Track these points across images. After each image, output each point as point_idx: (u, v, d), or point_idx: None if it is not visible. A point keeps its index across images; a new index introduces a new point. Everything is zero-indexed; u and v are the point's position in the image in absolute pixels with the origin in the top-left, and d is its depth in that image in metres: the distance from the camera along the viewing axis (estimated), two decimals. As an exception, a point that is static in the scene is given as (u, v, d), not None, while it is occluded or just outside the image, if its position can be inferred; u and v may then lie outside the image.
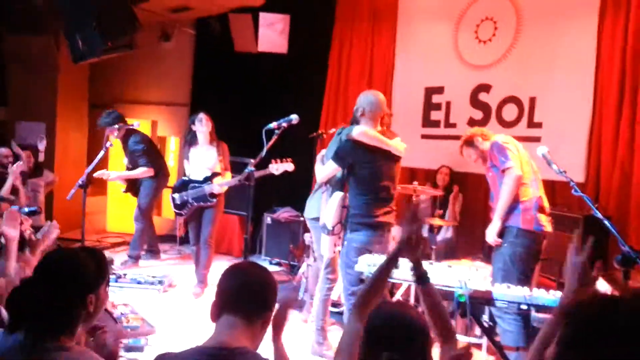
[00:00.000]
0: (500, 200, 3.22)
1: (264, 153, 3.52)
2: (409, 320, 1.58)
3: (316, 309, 3.84)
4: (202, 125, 4.91)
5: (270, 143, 3.53)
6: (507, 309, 2.98)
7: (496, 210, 3.25)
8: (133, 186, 5.82)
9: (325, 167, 3.56)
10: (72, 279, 1.65)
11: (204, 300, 4.76)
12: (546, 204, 3.31)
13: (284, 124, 3.54)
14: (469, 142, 3.55)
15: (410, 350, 1.51)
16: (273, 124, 3.54)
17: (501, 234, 3.23)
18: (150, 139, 6.08)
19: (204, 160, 4.96)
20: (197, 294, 4.89)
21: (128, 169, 5.76)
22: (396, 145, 3.45)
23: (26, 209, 3.26)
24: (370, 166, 3.39)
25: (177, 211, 5.08)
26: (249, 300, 1.60)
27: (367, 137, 3.34)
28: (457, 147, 3.71)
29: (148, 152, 5.69)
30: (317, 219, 3.82)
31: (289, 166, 4.23)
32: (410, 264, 1.94)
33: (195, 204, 4.92)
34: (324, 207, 3.66)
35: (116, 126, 5.40)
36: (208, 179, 4.88)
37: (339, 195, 3.46)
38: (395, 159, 3.50)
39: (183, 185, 5.03)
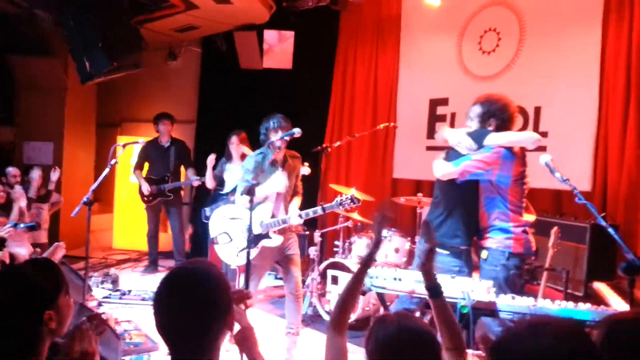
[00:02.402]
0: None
1: (266, 167, 3.52)
2: (419, 330, 1.55)
3: None
4: (231, 143, 5.23)
5: (274, 157, 3.55)
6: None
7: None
8: (167, 193, 6.18)
9: None
10: (20, 302, 1.52)
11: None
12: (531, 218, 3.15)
13: (287, 138, 3.54)
14: (489, 113, 3.09)
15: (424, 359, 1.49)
16: (276, 138, 3.55)
17: (488, 255, 3.07)
18: None
19: (233, 176, 5.21)
20: None
21: (167, 176, 6.16)
22: None
23: (22, 225, 3.27)
24: None
25: (207, 221, 5.25)
26: (202, 315, 1.38)
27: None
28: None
29: None
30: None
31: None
32: (422, 276, 1.94)
33: None
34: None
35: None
36: (235, 190, 5.04)
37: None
38: None
39: (213, 199, 5.34)
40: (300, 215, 3.62)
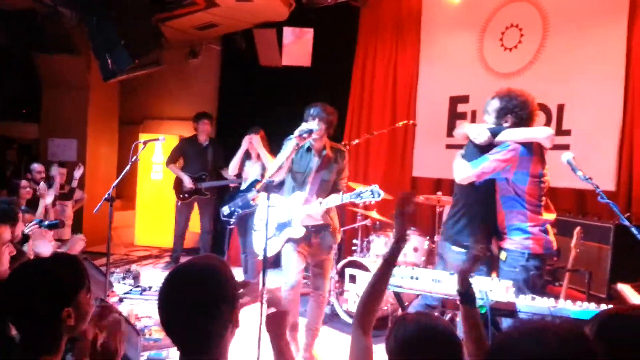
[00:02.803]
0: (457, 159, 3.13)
1: (284, 163, 3.50)
2: (439, 328, 1.54)
3: None
4: (244, 143, 5.21)
5: (291, 154, 3.51)
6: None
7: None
8: (204, 191, 6.20)
9: None
10: (39, 297, 1.52)
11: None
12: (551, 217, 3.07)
13: (305, 135, 3.50)
14: (507, 108, 3.05)
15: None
16: (294, 135, 3.51)
17: (507, 257, 3.02)
18: None
19: (250, 173, 5.29)
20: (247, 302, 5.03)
21: (205, 175, 6.17)
22: None
23: (46, 222, 3.32)
24: None
25: (225, 219, 5.36)
26: (204, 310, 1.36)
27: None
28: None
29: None
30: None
31: None
32: (457, 284, 1.99)
33: (241, 210, 5.17)
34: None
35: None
36: (252, 186, 5.19)
37: None
38: None
39: (231, 198, 5.39)
40: (320, 202, 3.52)
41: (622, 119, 4.49)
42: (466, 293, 1.97)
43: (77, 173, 6.06)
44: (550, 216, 3.04)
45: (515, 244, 2.97)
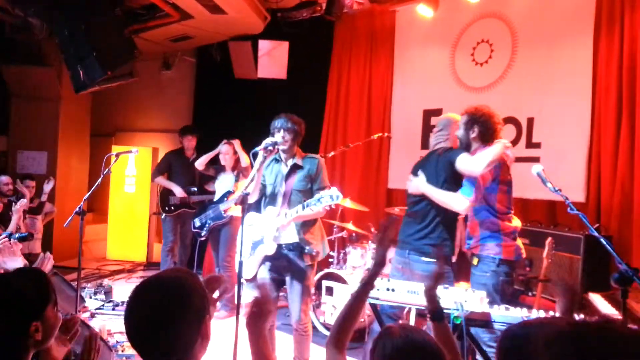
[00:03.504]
0: (437, 195, 3.14)
1: (256, 176, 3.44)
2: (426, 343, 1.54)
3: None
4: (221, 154, 5.25)
5: (260, 166, 3.45)
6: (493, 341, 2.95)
7: (432, 191, 3.17)
8: (192, 205, 5.98)
9: None
10: (6, 312, 1.52)
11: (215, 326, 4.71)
12: (519, 224, 3.23)
13: (270, 148, 3.46)
14: (468, 122, 3.25)
15: None
16: (259, 147, 3.46)
17: (478, 262, 3.14)
18: None
19: (223, 185, 5.25)
20: (224, 317, 5.04)
21: (194, 189, 5.93)
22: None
23: (17, 235, 3.24)
24: None
25: (196, 230, 5.32)
26: (176, 325, 1.33)
27: None
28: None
29: None
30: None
31: None
32: (425, 299, 2.03)
33: (212, 222, 5.14)
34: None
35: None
36: (224, 197, 5.16)
37: None
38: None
39: (202, 209, 5.36)
40: (285, 214, 3.42)
41: (590, 131, 4.62)
42: (436, 310, 2.00)
43: (47, 187, 5.91)
44: (519, 223, 3.21)
45: (488, 250, 3.10)
